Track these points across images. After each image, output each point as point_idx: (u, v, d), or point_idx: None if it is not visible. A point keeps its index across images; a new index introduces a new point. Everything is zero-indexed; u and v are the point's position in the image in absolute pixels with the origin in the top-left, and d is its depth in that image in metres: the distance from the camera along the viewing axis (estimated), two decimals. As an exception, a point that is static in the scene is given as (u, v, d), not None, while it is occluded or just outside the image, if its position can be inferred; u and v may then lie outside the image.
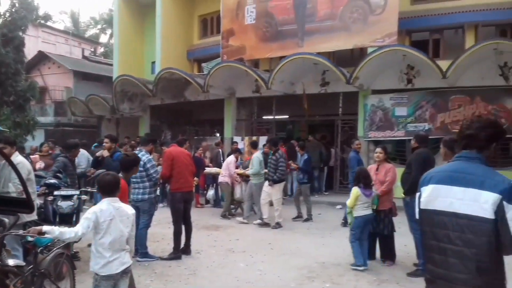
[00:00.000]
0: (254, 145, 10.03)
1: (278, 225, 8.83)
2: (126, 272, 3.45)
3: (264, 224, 8.95)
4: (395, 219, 6.31)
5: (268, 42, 14.74)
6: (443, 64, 11.34)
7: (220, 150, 12.86)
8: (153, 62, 18.37)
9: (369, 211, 5.90)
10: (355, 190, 5.90)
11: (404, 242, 6.52)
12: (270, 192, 8.96)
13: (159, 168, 7.10)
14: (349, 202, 5.95)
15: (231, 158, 10.44)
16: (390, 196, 6.26)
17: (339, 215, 10.39)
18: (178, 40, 17.95)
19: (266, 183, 9.05)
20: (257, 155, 9.35)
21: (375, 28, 12.78)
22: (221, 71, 13.92)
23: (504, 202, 2.10)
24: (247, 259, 6.43)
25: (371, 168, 6.56)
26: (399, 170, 6.27)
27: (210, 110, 16.73)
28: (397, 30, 12.55)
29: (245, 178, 10.13)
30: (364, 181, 5.90)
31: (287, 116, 16.67)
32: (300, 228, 8.83)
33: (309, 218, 9.61)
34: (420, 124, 12.39)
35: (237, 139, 14.28)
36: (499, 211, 2.11)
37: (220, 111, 15.76)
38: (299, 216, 9.73)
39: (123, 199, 4.17)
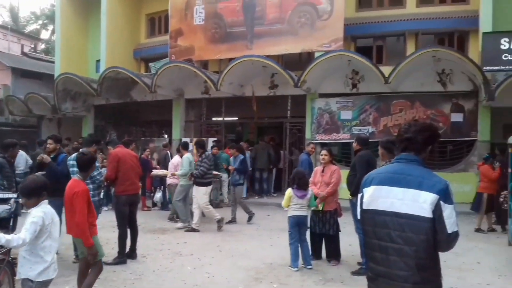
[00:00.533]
0: (184, 146, 9.70)
1: (193, 230, 8.43)
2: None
3: (191, 230, 8.47)
4: (340, 220, 6.47)
5: (217, 43, 14.68)
6: (386, 69, 11.82)
7: (168, 151, 12.64)
8: (98, 61, 17.75)
9: (302, 212, 6.01)
10: (288, 191, 6.07)
11: (349, 241, 6.70)
12: (197, 196, 8.63)
13: (103, 170, 6.84)
14: (283, 202, 6.11)
15: (177, 158, 10.25)
16: (336, 197, 6.41)
17: (286, 215, 10.54)
18: (124, 39, 17.48)
19: (195, 187, 8.71)
20: (187, 156, 9.05)
21: (322, 33, 13.09)
22: (169, 71, 13.69)
23: (441, 202, 2.22)
24: (194, 262, 6.36)
25: (317, 170, 6.69)
26: (345, 172, 6.45)
27: (157, 110, 16.41)
28: (343, 36, 12.93)
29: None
30: (298, 182, 6.00)
31: (237, 118, 16.70)
32: (248, 230, 8.85)
33: (233, 221, 9.42)
34: (364, 127, 12.83)
35: (186, 140, 14.12)
36: (437, 210, 2.21)
37: (168, 112, 15.51)
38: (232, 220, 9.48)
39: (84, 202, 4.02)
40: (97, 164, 6.16)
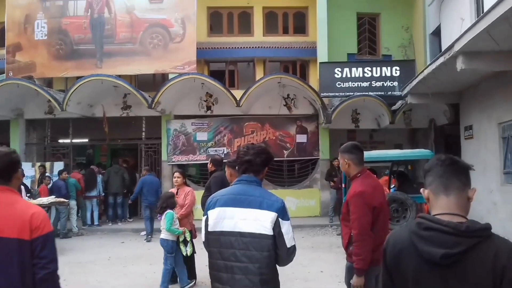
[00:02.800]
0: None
1: None
2: None
3: None
4: (195, 240, 6.49)
5: (62, 60, 13.63)
6: (238, 93, 12.39)
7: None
8: None
9: (162, 235, 5.93)
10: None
11: (205, 262, 6.72)
12: None
13: None
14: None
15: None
16: (190, 219, 6.42)
17: (142, 241, 10.19)
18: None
19: None
20: None
21: (176, 55, 13.17)
22: (5, 89, 12.22)
23: (280, 219, 2.39)
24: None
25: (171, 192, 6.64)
26: (200, 193, 6.52)
27: (-9, 133, 14.50)
28: (196, 59, 13.18)
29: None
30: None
31: (87, 140, 15.68)
32: (100, 260, 8.30)
33: None
34: (220, 148, 13.19)
35: (26, 165, 12.72)
36: (276, 227, 2.38)
37: (5, 134, 13.81)
38: None
39: None
40: None
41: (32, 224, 2.13)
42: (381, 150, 8.59)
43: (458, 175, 1.62)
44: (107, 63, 13.38)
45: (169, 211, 5.88)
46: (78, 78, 12.68)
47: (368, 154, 6.82)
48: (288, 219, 2.44)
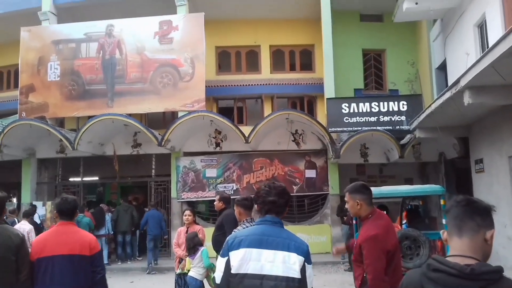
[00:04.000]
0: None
1: None
2: None
3: None
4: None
5: (74, 100, 13.93)
6: (247, 129, 12.49)
7: (15, 219, 11.24)
8: None
9: (192, 273, 5.92)
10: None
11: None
12: None
13: None
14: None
15: (25, 225, 9.18)
16: (201, 258, 6.35)
17: (152, 280, 10.07)
18: (-36, 93, 15.60)
19: None
20: None
21: (185, 93, 13.39)
22: (18, 129, 12.46)
23: (305, 263, 2.38)
24: None
25: (181, 230, 6.61)
26: (210, 230, 6.47)
27: (4, 172, 14.69)
28: (205, 97, 13.38)
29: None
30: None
31: (97, 178, 15.78)
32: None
33: None
34: (229, 185, 13.18)
35: (37, 204, 12.81)
36: (302, 270, 2.36)
37: (17, 174, 13.98)
38: None
39: None
40: None
41: (91, 245, 3.37)
42: (391, 186, 8.52)
43: (473, 216, 1.61)
44: (118, 102, 13.63)
45: (203, 248, 5.92)
46: (89, 117, 12.92)
47: (378, 190, 6.78)
48: (311, 263, 2.44)
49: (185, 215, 6.53)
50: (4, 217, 3.68)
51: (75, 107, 13.91)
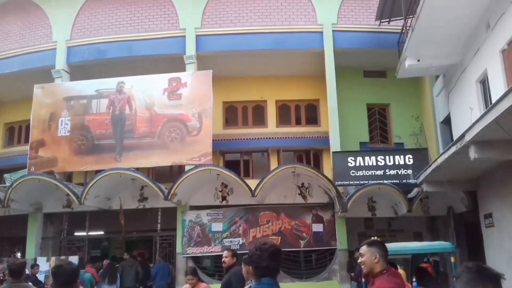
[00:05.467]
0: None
1: None
2: None
3: None
4: None
5: (83, 155, 14.11)
6: (253, 182, 12.49)
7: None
8: None
9: None
10: None
11: None
12: None
13: None
14: None
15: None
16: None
17: None
18: (-24, 148, 15.89)
19: None
20: None
21: (192, 147, 13.53)
22: (26, 184, 12.58)
23: None
24: None
25: (186, 288, 6.49)
26: (216, 286, 6.35)
27: (10, 226, 14.62)
28: (212, 151, 13.51)
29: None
30: None
31: (102, 233, 15.65)
32: None
33: None
34: (235, 239, 13.01)
35: (41, 260, 12.67)
36: None
37: (23, 228, 13.91)
38: None
39: None
40: None
41: None
42: (400, 243, 8.38)
43: (484, 282, 1.61)
44: (126, 156, 13.78)
45: None
46: (97, 171, 13.05)
47: (387, 247, 6.66)
48: None
49: (188, 279, 6.42)
50: (26, 277, 3.65)
51: (84, 161, 14.06)
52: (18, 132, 16.84)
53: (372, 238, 3.46)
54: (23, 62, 15.32)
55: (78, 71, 15.10)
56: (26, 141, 15.23)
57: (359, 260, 3.42)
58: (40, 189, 13.00)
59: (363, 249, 3.32)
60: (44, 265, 12.48)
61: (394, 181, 12.07)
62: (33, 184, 12.69)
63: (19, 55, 15.42)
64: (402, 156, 12.42)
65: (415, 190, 11.98)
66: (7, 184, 14.09)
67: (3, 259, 13.67)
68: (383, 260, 3.23)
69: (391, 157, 12.45)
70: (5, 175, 15.40)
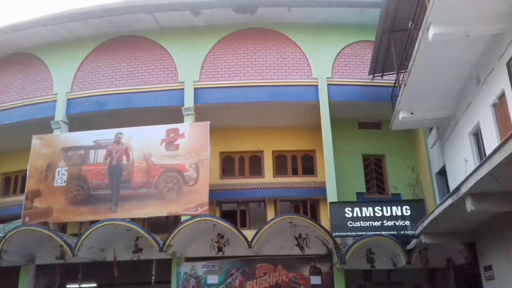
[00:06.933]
0: None
1: None
2: None
3: None
4: None
5: (78, 205, 13.99)
6: (250, 233, 12.35)
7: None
8: None
9: None
10: None
11: None
12: None
13: None
14: None
15: None
16: None
17: None
18: (-29, 198, 15.76)
19: None
20: None
21: (189, 198, 13.48)
22: (20, 234, 12.36)
23: None
24: None
25: None
26: None
27: (1, 279, 14.23)
28: (208, 201, 13.43)
29: None
30: None
31: (95, 285, 15.20)
32: None
33: None
34: (231, 293, 12.70)
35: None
36: None
37: (14, 280, 13.53)
38: None
39: None
40: None
41: None
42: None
43: None
44: (121, 207, 13.69)
45: None
46: (92, 222, 12.91)
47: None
48: None
49: None
50: None
51: (79, 212, 13.94)
52: (14, 182, 16.81)
53: None
54: (23, 113, 15.56)
55: (77, 122, 15.30)
56: (22, 191, 15.16)
57: None
58: (33, 240, 12.78)
59: None
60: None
61: (392, 232, 12.00)
62: (26, 235, 12.49)
63: (19, 107, 15.68)
64: (399, 207, 12.42)
65: (414, 241, 11.89)
66: (0, 235, 13.86)
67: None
68: None
69: (388, 208, 12.45)
70: (-1, 226, 15.19)
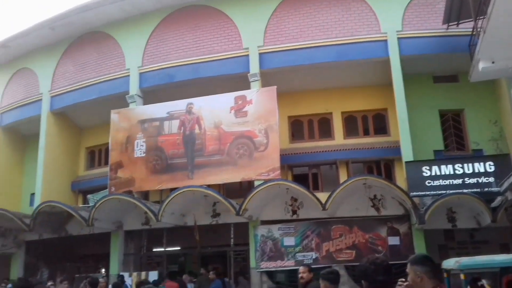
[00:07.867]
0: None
1: None
2: None
3: None
4: None
5: (158, 174, 14.83)
6: (323, 195, 12.38)
7: (103, 290, 11.76)
8: (33, 194, 17.08)
9: None
10: None
11: None
12: None
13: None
14: None
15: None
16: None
17: None
18: (62, 172, 17.18)
19: None
20: None
21: (260, 163, 13.71)
22: (108, 203, 13.45)
23: None
24: None
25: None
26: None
27: (94, 244, 15.64)
28: (280, 165, 13.58)
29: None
30: None
31: (179, 248, 16.21)
32: None
33: None
34: (308, 253, 12.92)
35: (124, 275, 13.35)
36: None
37: (105, 245, 14.81)
38: None
39: None
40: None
41: None
42: (485, 256, 7.87)
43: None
44: (197, 174, 14.28)
45: None
46: (171, 189, 13.62)
47: (472, 261, 6.34)
48: None
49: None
50: None
51: (159, 180, 14.75)
52: (98, 155, 18.04)
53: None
54: (100, 90, 16.49)
55: (150, 95, 15.92)
56: (106, 163, 16.27)
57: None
58: (120, 208, 13.81)
59: (407, 267, 3.09)
60: (127, 279, 13.15)
61: (475, 190, 11.42)
62: (114, 204, 13.54)
63: (96, 84, 16.63)
64: (482, 163, 11.73)
65: (499, 198, 11.25)
66: (91, 204, 15.11)
67: (89, 275, 14.56)
68: (428, 277, 2.98)
69: (470, 164, 11.80)
70: (88, 196, 16.54)
